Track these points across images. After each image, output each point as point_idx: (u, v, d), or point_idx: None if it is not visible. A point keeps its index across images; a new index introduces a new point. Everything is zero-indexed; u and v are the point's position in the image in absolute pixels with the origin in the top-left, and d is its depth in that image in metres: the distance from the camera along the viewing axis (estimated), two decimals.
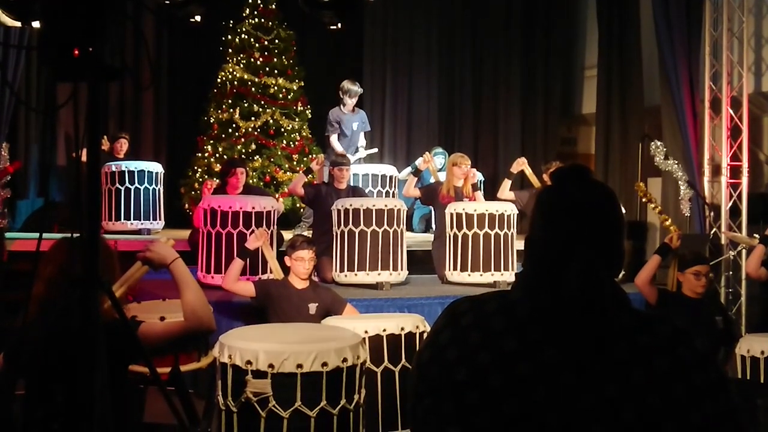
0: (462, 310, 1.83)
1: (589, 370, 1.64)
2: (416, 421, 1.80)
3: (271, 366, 4.09)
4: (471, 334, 1.74)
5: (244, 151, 11.81)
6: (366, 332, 5.04)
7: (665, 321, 1.75)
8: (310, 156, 11.70)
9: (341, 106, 10.51)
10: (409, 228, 10.27)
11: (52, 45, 2.70)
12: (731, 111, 10.13)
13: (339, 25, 3.61)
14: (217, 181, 9.10)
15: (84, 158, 2.78)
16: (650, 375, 1.63)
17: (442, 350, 1.77)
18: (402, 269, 7.99)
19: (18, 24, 3.21)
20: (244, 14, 12.64)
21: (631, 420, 1.59)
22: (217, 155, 11.80)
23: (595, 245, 1.78)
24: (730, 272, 9.82)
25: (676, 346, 1.68)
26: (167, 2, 3.10)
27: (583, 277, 1.71)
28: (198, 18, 3.22)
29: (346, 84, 10.46)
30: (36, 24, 3.08)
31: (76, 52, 2.65)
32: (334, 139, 10.44)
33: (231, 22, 12.62)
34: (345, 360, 4.24)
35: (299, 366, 4.10)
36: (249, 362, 4.14)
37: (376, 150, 11.36)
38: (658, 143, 10.11)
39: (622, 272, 7.28)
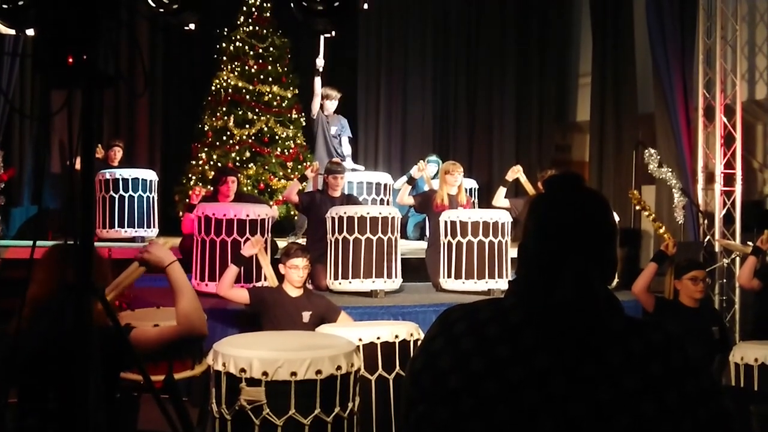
0: (455, 317, 1.83)
1: (582, 375, 1.64)
2: (410, 428, 1.80)
3: (265, 374, 4.09)
4: (464, 341, 1.75)
5: (238, 158, 11.81)
6: (360, 340, 5.03)
7: (658, 327, 1.76)
8: (305, 164, 11.70)
9: (322, 111, 10.58)
10: (404, 236, 10.27)
11: (46, 52, 2.70)
12: (725, 119, 10.15)
13: (333, 33, 3.62)
14: (209, 188, 9.09)
15: (78, 166, 2.77)
16: (643, 381, 1.64)
17: (435, 357, 1.78)
18: (396, 277, 7.99)
19: (12, 32, 3.21)
20: (238, 22, 12.64)
21: (624, 425, 1.60)
22: (212, 163, 11.80)
23: (588, 253, 1.78)
24: (724, 280, 9.83)
25: (669, 352, 1.70)
26: (161, 10, 3.10)
27: (576, 284, 1.72)
28: (192, 26, 3.22)
29: (325, 89, 10.52)
30: (30, 31, 3.08)
31: (71, 59, 2.65)
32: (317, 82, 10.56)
33: (225, 30, 12.62)
34: (339, 368, 4.23)
35: (293, 374, 4.09)
36: (243, 370, 4.13)
37: (362, 167, 11.37)
38: (652, 151, 10.13)
39: (617, 280, 7.33)
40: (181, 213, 11.50)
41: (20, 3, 3.04)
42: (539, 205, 1.90)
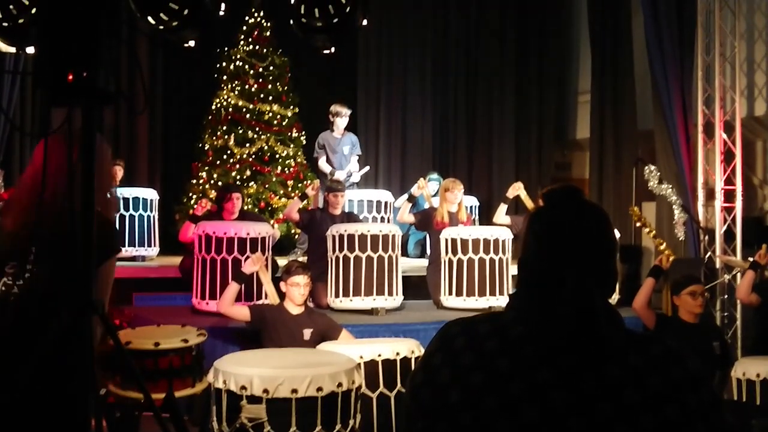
0: (455, 332, 1.83)
1: (582, 390, 1.63)
2: None
3: (265, 391, 4.08)
4: (464, 356, 1.74)
5: (238, 177, 11.81)
6: (361, 357, 5.02)
7: (658, 341, 1.75)
8: (305, 182, 11.70)
9: (331, 130, 10.56)
10: (405, 253, 10.26)
11: (46, 70, 2.71)
12: (724, 135, 10.16)
13: (332, 49, 3.63)
14: (212, 204, 9.08)
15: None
16: (643, 395, 1.63)
17: (435, 372, 1.77)
18: (397, 294, 7.98)
19: (12, 50, 3.22)
20: (238, 41, 12.68)
21: None
22: (212, 182, 11.80)
23: (587, 265, 1.77)
24: (725, 296, 9.81)
25: (669, 366, 1.69)
26: (161, 27, 3.11)
27: (576, 298, 1.71)
28: (192, 43, 3.24)
29: (335, 106, 10.54)
30: (30, 49, 3.09)
31: (71, 76, 2.65)
32: (321, 162, 10.49)
33: (226, 48, 12.66)
34: (340, 385, 4.23)
35: (294, 391, 4.09)
36: (244, 387, 4.13)
37: (368, 168, 11.39)
38: (652, 167, 10.13)
39: (617, 296, 7.32)
40: (178, 217, 11.46)
41: (20, 21, 3.05)
42: (538, 218, 1.89)
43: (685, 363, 1.71)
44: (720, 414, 1.68)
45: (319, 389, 4.13)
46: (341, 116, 10.48)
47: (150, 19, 3.09)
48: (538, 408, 1.62)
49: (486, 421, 1.64)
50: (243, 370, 4.23)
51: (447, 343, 1.81)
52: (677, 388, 1.65)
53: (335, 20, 3.40)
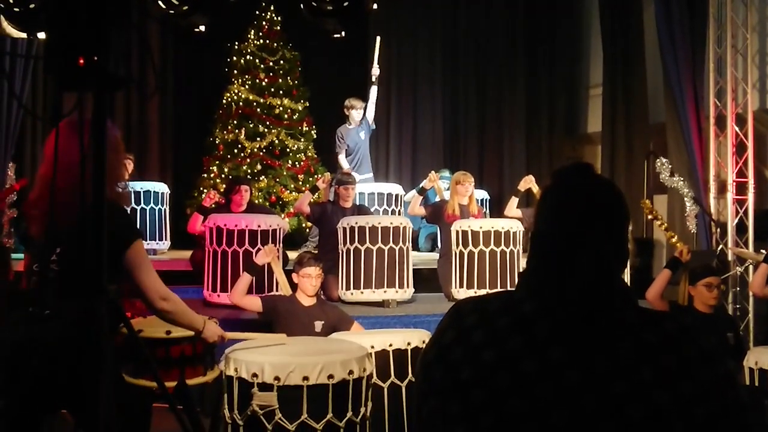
0: (466, 309, 1.82)
1: (596, 367, 1.62)
2: (422, 422, 1.78)
3: (277, 378, 4.07)
4: (475, 333, 1.73)
5: (249, 171, 11.85)
6: (372, 347, 5.01)
7: (671, 318, 1.74)
8: (316, 176, 11.73)
9: (348, 124, 10.60)
10: (415, 247, 10.25)
11: (57, 54, 2.71)
12: (736, 128, 10.11)
13: (343, 33, 3.63)
14: (221, 197, 9.10)
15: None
16: (657, 372, 1.61)
17: (446, 350, 1.76)
18: (408, 287, 7.97)
19: (24, 35, 3.22)
20: (249, 36, 12.71)
21: (638, 417, 1.58)
22: (223, 175, 11.83)
23: (600, 242, 1.76)
24: (737, 288, 9.77)
25: (683, 343, 1.67)
26: (171, 11, 3.11)
27: (588, 274, 1.70)
28: (202, 28, 3.23)
29: (350, 100, 10.64)
30: (41, 35, 3.09)
31: (81, 61, 2.65)
32: (341, 158, 10.52)
33: (236, 43, 12.69)
34: (351, 372, 4.22)
35: (305, 378, 4.08)
36: (255, 375, 4.12)
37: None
38: (664, 160, 10.09)
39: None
40: (189, 211, 11.48)
41: (31, 6, 3.05)
42: (549, 193, 1.88)
43: (698, 340, 1.69)
44: (735, 390, 1.66)
45: (330, 377, 4.12)
46: (356, 109, 10.57)
47: (160, 3, 3.09)
48: (550, 386, 1.61)
49: (498, 399, 1.63)
50: (254, 358, 4.23)
51: (458, 320, 1.80)
52: (691, 365, 1.64)
53: (345, 3, 3.39)
